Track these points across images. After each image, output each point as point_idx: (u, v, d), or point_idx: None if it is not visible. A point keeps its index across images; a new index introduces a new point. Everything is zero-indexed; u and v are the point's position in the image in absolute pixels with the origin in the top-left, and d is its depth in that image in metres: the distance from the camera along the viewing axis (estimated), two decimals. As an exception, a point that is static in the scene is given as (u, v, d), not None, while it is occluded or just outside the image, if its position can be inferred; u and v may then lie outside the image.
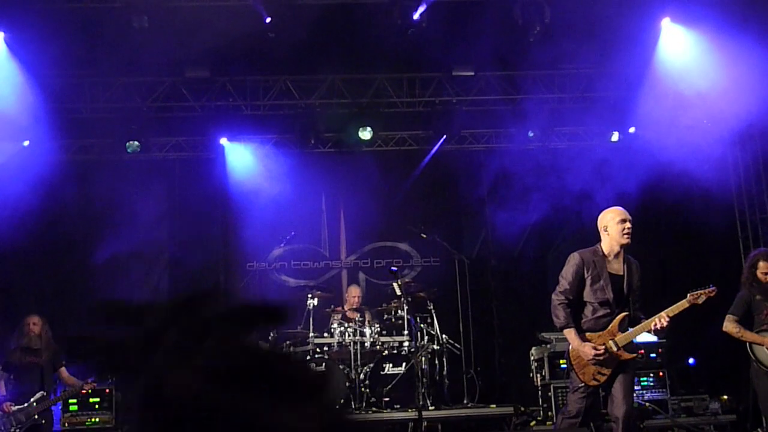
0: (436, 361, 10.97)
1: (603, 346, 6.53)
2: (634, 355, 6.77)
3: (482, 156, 13.79)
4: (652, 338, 10.78)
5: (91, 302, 1.26)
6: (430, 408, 10.21)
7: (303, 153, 13.28)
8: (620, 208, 7.05)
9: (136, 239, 12.83)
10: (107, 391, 10.23)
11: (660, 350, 10.51)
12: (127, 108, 12.51)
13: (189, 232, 13.24)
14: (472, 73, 12.65)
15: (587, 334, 6.64)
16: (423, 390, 10.14)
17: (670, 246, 13.25)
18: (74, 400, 10.10)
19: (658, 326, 6.61)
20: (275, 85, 12.79)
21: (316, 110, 12.86)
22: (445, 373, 11.01)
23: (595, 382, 6.55)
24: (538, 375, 10.40)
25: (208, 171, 13.32)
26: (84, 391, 9.61)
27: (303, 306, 11.11)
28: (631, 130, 13.21)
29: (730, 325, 8.11)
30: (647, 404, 10.06)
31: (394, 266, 12.10)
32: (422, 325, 10.96)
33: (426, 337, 10.96)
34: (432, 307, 11.20)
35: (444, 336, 11.11)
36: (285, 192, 13.05)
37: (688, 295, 6.85)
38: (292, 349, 10.81)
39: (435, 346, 10.97)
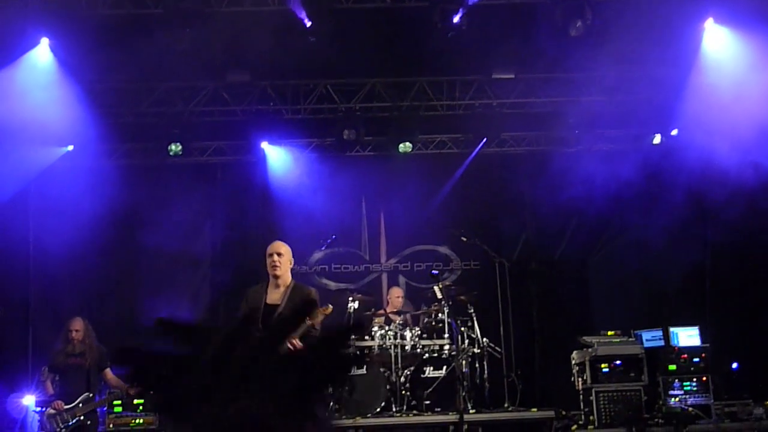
0: (477, 365, 10.93)
1: None
2: None
3: (523, 159, 13.74)
4: (697, 343, 10.68)
5: (154, 319, 1.29)
6: (471, 411, 10.18)
7: (343, 157, 13.33)
8: (273, 243, 7.58)
9: (178, 243, 12.96)
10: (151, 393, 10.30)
11: (703, 355, 10.39)
12: (169, 113, 12.65)
13: (230, 235, 13.34)
14: (512, 76, 12.61)
15: None
16: (464, 393, 10.12)
17: (716, 249, 13.10)
18: (119, 402, 10.19)
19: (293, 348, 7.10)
20: (315, 90, 12.84)
21: (357, 114, 12.89)
22: (485, 376, 10.97)
23: None
24: (580, 379, 10.33)
25: (249, 175, 13.42)
26: (130, 393, 9.69)
27: (344, 309, 11.15)
28: (674, 132, 13.10)
29: None
30: (690, 409, 9.95)
31: (434, 269, 12.09)
32: (463, 329, 10.93)
33: (467, 341, 10.93)
34: (472, 310, 11.16)
35: (485, 339, 11.07)
36: (325, 196, 13.10)
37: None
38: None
39: (475, 350, 10.93)
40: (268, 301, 7.27)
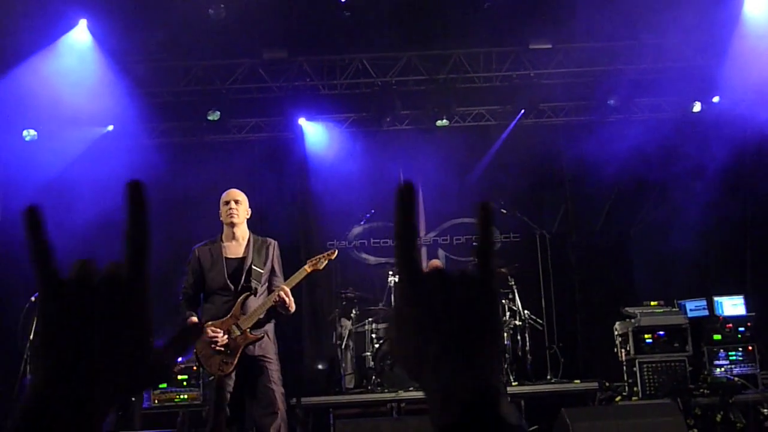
0: (519, 337, 10.93)
1: (222, 331, 6.38)
2: (260, 335, 6.54)
3: (561, 130, 13.63)
4: (742, 312, 10.57)
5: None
6: (514, 383, 10.19)
7: (380, 131, 13.30)
8: (229, 190, 7.06)
9: (218, 220, 13.01)
10: (194, 368, 10.43)
11: (749, 324, 10.29)
12: (206, 90, 12.69)
13: (269, 211, 13.38)
14: (550, 46, 12.47)
15: (210, 322, 6.47)
16: (506, 366, 10.13)
17: (758, 216, 12.93)
18: (163, 378, 10.31)
19: (278, 300, 6.45)
20: (351, 64, 12.80)
21: (393, 88, 12.84)
22: (527, 348, 10.97)
23: (222, 372, 6.32)
24: (623, 350, 10.28)
25: (287, 151, 13.45)
26: (174, 370, 9.80)
27: (384, 283, 11.18)
28: (715, 99, 12.90)
29: None
30: (736, 379, 9.87)
31: (475, 242, 12.03)
32: (504, 301, 10.91)
33: (508, 313, 10.92)
34: (513, 282, 11.13)
35: (526, 311, 11.06)
36: (363, 170, 13.09)
37: (307, 261, 6.78)
38: (374, 326, 10.87)
39: (517, 322, 10.93)
40: (229, 255, 6.81)
